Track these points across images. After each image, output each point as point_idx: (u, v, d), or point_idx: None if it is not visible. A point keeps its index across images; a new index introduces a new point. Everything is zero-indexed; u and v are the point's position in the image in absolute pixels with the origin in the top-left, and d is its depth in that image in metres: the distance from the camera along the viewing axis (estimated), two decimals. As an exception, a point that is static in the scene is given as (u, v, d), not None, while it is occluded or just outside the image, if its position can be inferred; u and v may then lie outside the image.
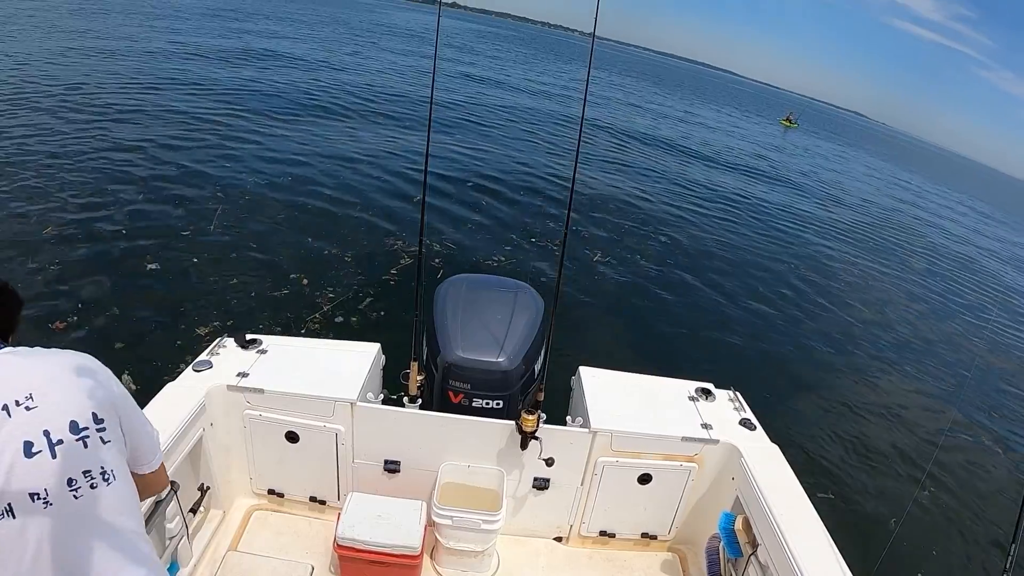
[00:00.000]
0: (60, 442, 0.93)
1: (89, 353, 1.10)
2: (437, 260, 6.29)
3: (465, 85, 20.98)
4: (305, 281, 5.47)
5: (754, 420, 2.37)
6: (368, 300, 5.35)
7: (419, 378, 2.30)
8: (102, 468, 0.98)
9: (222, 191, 7.21)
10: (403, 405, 2.30)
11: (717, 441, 2.23)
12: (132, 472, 1.08)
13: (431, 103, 2.36)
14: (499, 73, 28.11)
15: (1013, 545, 1.72)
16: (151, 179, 7.21)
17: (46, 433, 0.93)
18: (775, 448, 2.25)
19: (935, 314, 9.26)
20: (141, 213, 6.27)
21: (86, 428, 0.98)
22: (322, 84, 15.80)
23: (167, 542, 1.93)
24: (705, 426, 2.28)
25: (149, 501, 1.76)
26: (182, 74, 13.74)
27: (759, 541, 1.96)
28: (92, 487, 0.95)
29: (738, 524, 2.08)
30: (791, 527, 1.85)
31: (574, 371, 2.58)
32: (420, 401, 2.34)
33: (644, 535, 2.45)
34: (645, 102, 31.55)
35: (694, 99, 46.73)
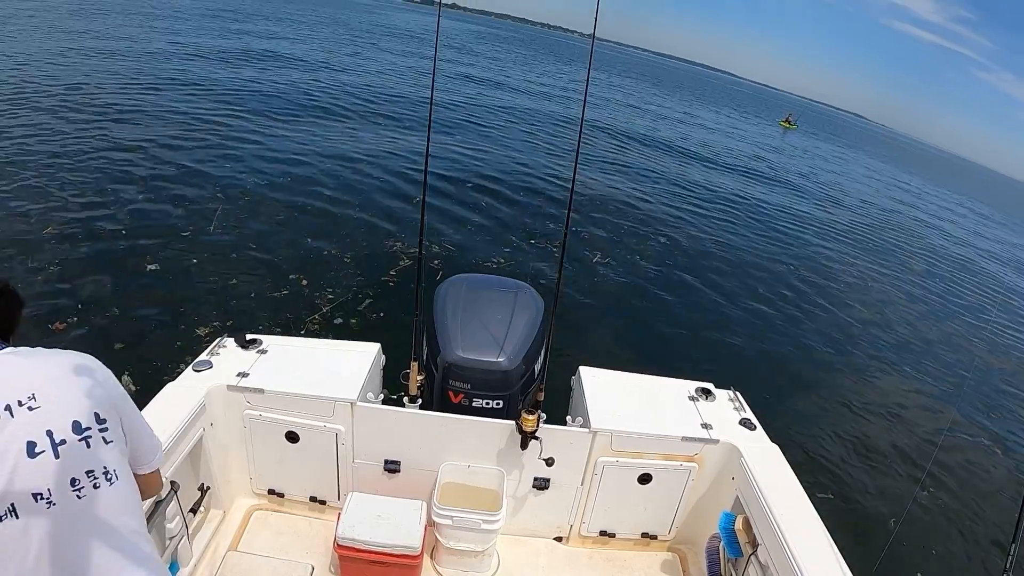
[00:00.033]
0: (63, 442, 0.94)
1: (89, 353, 1.10)
2: (437, 261, 6.29)
3: (465, 86, 21.00)
4: (305, 281, 5.47)
5: (754, 420, 2.38)
6: (368, 300, 5.35)
7: (419, 378, 2.30)
8: (105, 468, 0.98)
9: (222, 191, 7.21)
10: (403, 405, 2.30)
11: (717, 441, 2.23)
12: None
13: (431, 104, 2.36)
14: (499, 74, 28.13)
15: (1013, 545, 1.72)
16: (151, 179, 7.21)
17: (49, 433, 0.93)
18: (775, 448, 2.25)
19: (935, 315, 9.27)
20: (141, 213, 6.27)
21: (88, 428, 0.98)
22: (322, 85, 15.81)
23: (167, 542, 1.93)
24: (705, 426, 2.28)
25: (149, 501, 1.76)
26: (182, 74, 13.75)
27: (759, 541, 1.96)
28: (95, 487, 0.95)
29: (738, 524, 2.08)
30: (791, 527, 1.85)
31: (574, 371, 2.58)
32: (420, 401, 2.34)
33: (644, 535, 2.45)
34: (644, 103, 31.58)
35: (693, 100, 46.78)
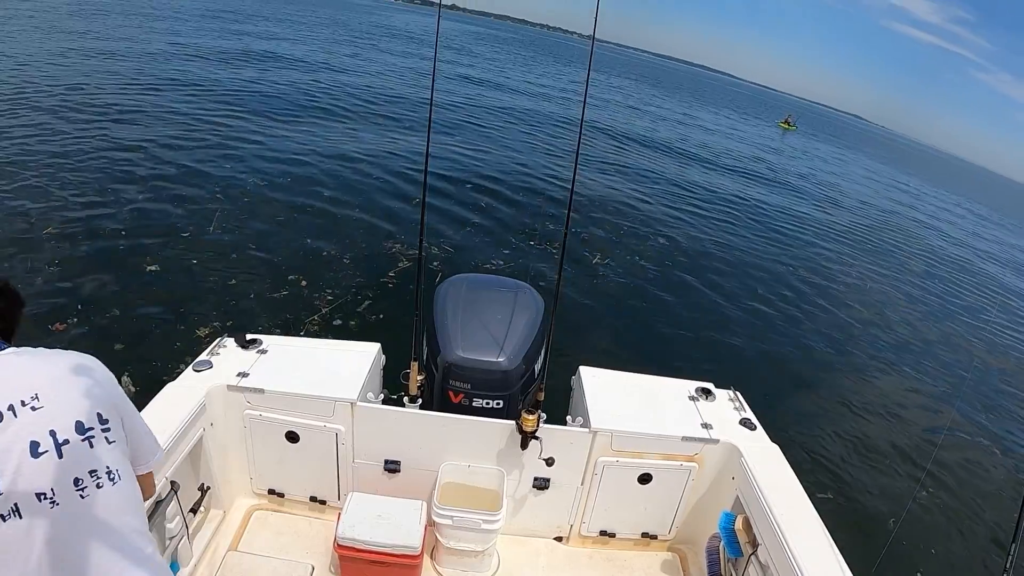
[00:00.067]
0: (66, 442, 0.94)
1: (89, 353, 1.10)
2: (437, 261, 6.29)
3: (465, 87, 21.01)
4: (305, 281, 5.47)
5: (754, 420, 2.38)
6: (368, 300, 5.35)
7: (419, 378, 2.30)
8: (107, 468, 0.98)
9: (222, 191, 7.21)
10: (403, 405, 2.30)
11: (717, 441, 2.24)
12: None
13: (431, 105, 2.36)
14: (498, 75, 28.15)
15: (1013, 545, 1.72)
16: (152, 179, 7.21)
17: (52, 433, 0.93)
18: (775, 448, 2.25)
19: (934, 315, 9.28)
20: (142, 213, 6.27)
21: (91, 428, 0.98)
22: (322, 85, 15.82)
23: (167, 542, 1.93)
24: (705, 426, 2.28)
25: (149, 501, 1.76)
26: (182, 75, 13.76)
27: (759, 541, 1.96)
28: (98, 486, 0.96)
29: (738, 524, 2.08)
30: (791, 527, 1.85)
31: (574, 371, 2.58)
32: (420, 401, 2.34)
33: (644, 535, 2.45)
34: (644, 104, 31.60)
35: (692, 101, 46.83)
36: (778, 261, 9.45)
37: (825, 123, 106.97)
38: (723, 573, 2.19)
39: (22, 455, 0.89)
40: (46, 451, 0.91)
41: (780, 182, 17.56)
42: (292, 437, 2.24)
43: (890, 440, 5.27)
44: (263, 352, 2.34)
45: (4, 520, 0.86)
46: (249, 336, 2.39)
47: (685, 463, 2.27)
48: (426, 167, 2.48)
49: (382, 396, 2.45)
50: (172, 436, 1.87)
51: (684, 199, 11.80)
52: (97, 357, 1.10)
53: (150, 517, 1.74)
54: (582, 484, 2.32)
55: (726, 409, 2.43)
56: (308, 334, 4.64)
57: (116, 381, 1.11)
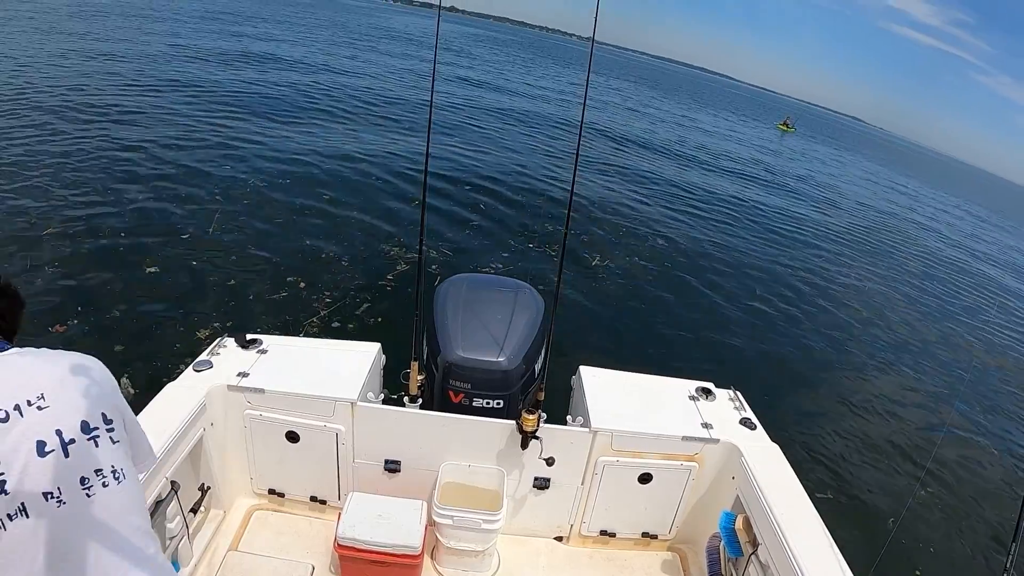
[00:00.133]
0: (72, 441, 0.94)
1: (89, 353, 1.10)
2: (437, 261, 6.30)
3: (464, 88, 21.04)
4: (306, 281, 5.48)
5: (754, 419, 2.38)
6: (368, 300, 5.35)
7: (419, 378, 2.30)
8: (112, 467, 0.98)
9: (222, 192, 7.22)
10: (403, 405, 2.30)
11: (717, 440, 2.24)
12: None
13: (431, 106, 2.37)
14: (498, 77, 28.19)
15: (1013, 544, 1.72)
16: (152, 179, 7.22)
17: (58, 432, 0.93)
18: (775, 447, 2.25)
19: (933, 316, 9.29)
20: (142, 213, 6.28)
21: (96, 428, 0.99)
22: (322, 87, 15.84)
23: (167, 542, 1.93)
24: (705, 425, 2.28)
25: (150, 500, 1.76)
26: (182, 76, 13.76)
27: (759, 540, 1.96)
28: (104, 486, 0.96)
29: (738, 523, 2.08)
30: (791, 526, 1.85)
31: (574, 371, 2.59)
32: (420, 401, 2.34)
33: (644, 535, 2.45)
34: (643, 106, 31.65)
35: (691, 103, 46.91)
36: (777, 262, 9.46)
37: (824, 125, 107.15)
38: (723, 573, 2.19)
39: (29, 455, 0.89)
40: (52, 450, 0.91)
41: (779, 184, 17.59)
42: (292, 437, 2.24)
43: (890, 439, 5.28)
44: (263, 352, 2.35)
45: (11, 520, 0.86)
46: (249, 336, 2.39)
47: (685, 463, 2.27)
48: (426, 168, 2.49)
49: (382, 396, 2.45)
50: (172, 436, 1.87)
51: (683, 200, 11.82)
52: (97, 357, 1.10)
53: (150, 517, 1.74)
54: (582, 484, 2.32)
55: (726, 409, 2.43)
56: (308, 334, 4.64)
57: (116, 384, 1.12)
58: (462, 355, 2.23)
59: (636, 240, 8.63)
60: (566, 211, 2.27)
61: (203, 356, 2.28)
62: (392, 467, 2.30)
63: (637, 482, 2.29)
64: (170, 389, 2.09)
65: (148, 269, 5.23)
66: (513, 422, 2.17)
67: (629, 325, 6.12)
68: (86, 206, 6.18)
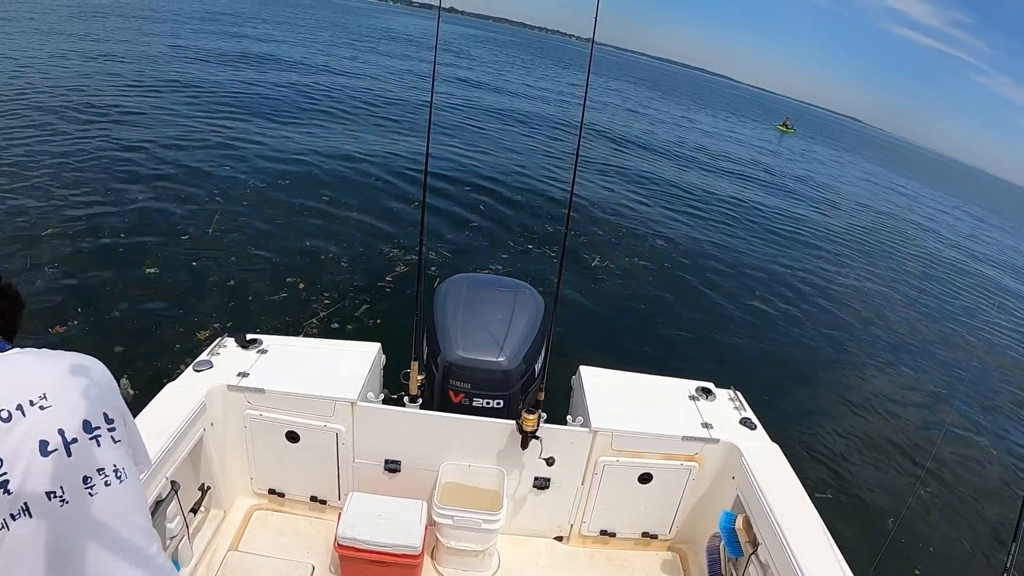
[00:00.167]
0: (74, 440, 0.94)
1: (89, 354, 1.10)
2: (437, 262, 6.30)
3: (464, 89, 21.05)
4: (306, 282, 5.48)
5: (754, 419, 2.38)
6: (368, 300, 5.35)
7: (419, 378, 2.30)
8: (114, 466, 0.99)
9: (222, 192, 7.22)
10: (403, 405, 2.30)
11: (717, 440, 2.24)
12: None
13: (431, 106, 2.37)
14: (498, 78, 28.20)
15: (1014, 544, 1.72)
16: (152, 180, 7.22)
17: (60, 432, 0.93)
18: (775, 447, 2.25)
19: (933, 316, 9.30)
20: (142, 213, 6.28)
21: (98, 427, 0.99)
22: (322, 87, 15.85)
23: (168, 542, 1.93)
24: (705, 425, 2.28)
25: (150, 500, 1.76)
26: (182, 76, 13.78)
27: (760, 540, 1.96)
28: (106, 484, 0.96)
29: (738, 523, 2.08)
30: (791, 526, 1.85)
31: (574, 371, 2.59)
32: (420, 401, 2.34)
33: (645, 534, 2.45)
34: (642, 107, 31.68)
35: (691, 104, 46.96)
36: (777, 262, 9.47)
37: (823, 126, 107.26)
38: (723, 573, 2.19)
39: (32, 454, 0.89)
40: (55, 450, 0.91)
41: (778, 184, 17.60)
42: (292, 437, 2.24)
43: (890, 439, 5.28)
44: (263, 352, 2.35)
45: (14, 519, 0.86)
46: (249, 336, 2.39)
47: (685, 463, 2.27)
48: (426, 168, 2.49)
49: (382, 396, 2.45)
50: (172, 436, 1.87)
51: (683, 201, 11.83)
52: (97, 357, 1.10)
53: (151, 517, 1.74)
54: (582, 484, 2.32)
55: (726, 409, 2.43)
56: (308, 334, 4.64)
57: (116, 385, 1.12)
58: (462, 355, 2.23)
59: (636, 240, 8.63)
60: (566, 211, 2.27)
61: (203, 356, 2.28)
62: (392, 467, 2.30)
63: (637, 482, 2.29)
64: (170, 389, 2.09)
65: (148, 269, 5.23)
66: (513, 422, 2.17)
67: (629, 325, 6.12)
68: (86, 206, 6.19)
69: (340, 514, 2.11)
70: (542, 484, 2.32)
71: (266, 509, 2.43)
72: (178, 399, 2.04)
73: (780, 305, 7.68)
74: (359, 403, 2.18)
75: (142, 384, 3.63)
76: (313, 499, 2.41)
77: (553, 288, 2.19)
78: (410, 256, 6.30)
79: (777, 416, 4.77)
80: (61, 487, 0.90)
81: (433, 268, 6.12)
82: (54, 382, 0.98)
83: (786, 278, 8.82)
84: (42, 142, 7.79)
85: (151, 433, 1.83)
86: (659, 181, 13.11)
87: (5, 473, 0.86)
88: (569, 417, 2.39)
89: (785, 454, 2.21)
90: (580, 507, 2.38)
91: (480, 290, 2.56)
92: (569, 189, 2.40)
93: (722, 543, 2.14)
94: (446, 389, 2.27)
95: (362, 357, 2.40)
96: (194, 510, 2.12)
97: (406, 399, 2.33)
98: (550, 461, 2.21)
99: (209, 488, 2.20)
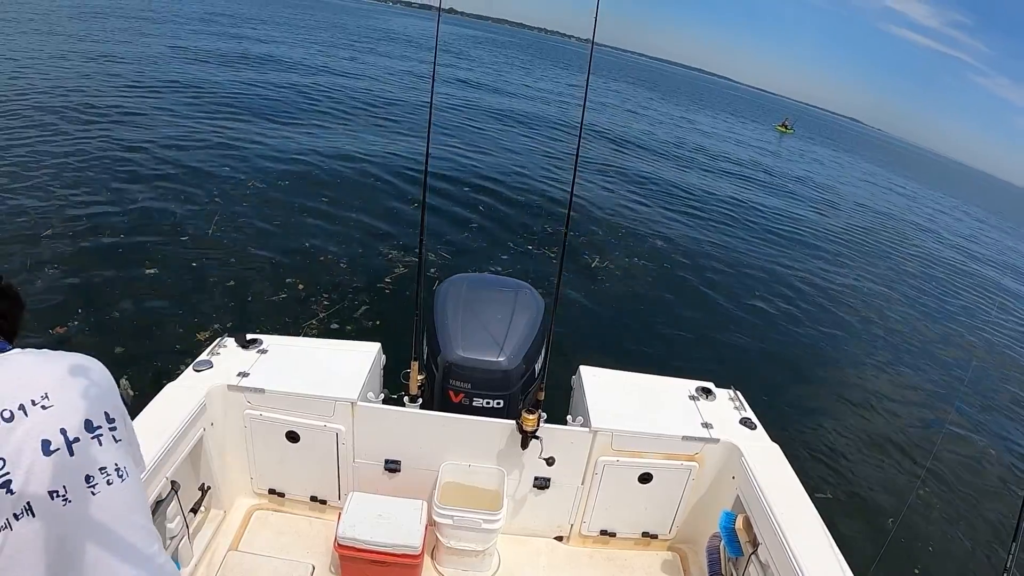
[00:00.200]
0: (77, 440, 0.94)
1: (90, 354, 1.10)
2: (437, 262, 6.30)
3: (464, 90, 21.06)
4: (306, 282, 5.48)
5: (754, 419, 2.38)
6: (368, 300, 5.35)
7: (419, 378, 2.30)
8: (116, 465, 0.99)
9: (222, 193, 7.22)
10: (404, 405, 2.30)
11: (718, 440, 2.24)
12: None
13: (431, 107, 2.37)
14: (497, 79, 28.22)
15: (1014, 544, 1.72)
16: (152, 180, 7.23)
17: (63, 431, 0.93)
18: (775, 447, 2.25)
19: (933, 316, 9.30)
20: (142, 214, 6.28)
21: (100, 427, 0.99)
22: (321, 88, 15.86)
23: (168, 542, 1.93)
24: (705, 425, 2.28)
25: (150, 500, 1.76)
26: (182, 77, 13.79)
27: (760, 540, 1.96)
28: (108, 483, 0.96)
29: (739, 523, 2.08)
30: (792, 526, 1.85)
31: (574, 370, 2.59)
32: (420, 401, 2.34)
33: (645, 534, 2.44)
34: (642, 108, 31.70)
35: (691, 105, 46.98)
36: (777, 262, 9.47)
37: (823, 126, 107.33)
38: (724, 572, 2.19)
39: (34, 454, 0.89)
40: (57, 449, 0.91)
41: (778, 185, 17.61)
42: (292, 437, 2.24)
43: (890, 438, 5.29)
44: (263, 352, 2.35)
45: (17, 519, 0.86)
46: (249, 336, 2.39)
47: (685, 462, 2.27)
48: (426, 168, 2.49)
49: (382, 396, 2.45)
50: (172, 436, 1.87)
51: (683, 201, 11.84)
52: (97, 357, 1.10)
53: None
54: (582, 484, 2.32)
55: (726, 408, 2.43)
56: (308, 334, 4.64)
57: (116, 385, 1.12)
58: (462, 355, 2.23)
59: (636, 240, 8.64)
60: (566, 212, 2.27)
61: (203, 356, 2.28)
62: (392, 467, 2.30)
63: (637, 482, 2.29)
64: (170, 389, 2.09)
65: (148, 269, 5.23)
66: (513, 422, 2.17)
67: (629, 325, 6.12)
68: (87, 206, 6.19)
69: (340, 514, 2.11)
70: (542, 484, 2.32)
71: (266, 509, 2.43)
72: (178, 399, 2.04)
73: (780, 305, 7.69)
74: (359, 403, 2.18)
75: (142, 384, 3.63)
76: (313, 499, 2.41)
77: (553, 288, 2.19)
78: (410, 256, 6.30)
79: (777, 416, 4.77)
80: (64, 486, 0.90)
81: (433, 268, 6.12)
82: (55, 382, 0.98)
83: (786, 278, 8.82)
84: (43, 142, 7.79)
85: (151, 433, 1.83)
86: (659, 181, 13.12)
87: (8, 473, 0.86)
88: (569, 417, 2.39)
89: (785, 454, 2.21)
90: (580, 507, 2.38)
91: (480, 290, 2.56)
92: (569, 189, 2.40)
93: (722, 543, 2.14)
94: (446, 389, 2.27)
95: (362, 357, 2.40)
96: (194, 510, 2.12)
97: (406, 399, 2.33)
98: (550, 461, 2.20)
99: (209, 488, 2.20)
